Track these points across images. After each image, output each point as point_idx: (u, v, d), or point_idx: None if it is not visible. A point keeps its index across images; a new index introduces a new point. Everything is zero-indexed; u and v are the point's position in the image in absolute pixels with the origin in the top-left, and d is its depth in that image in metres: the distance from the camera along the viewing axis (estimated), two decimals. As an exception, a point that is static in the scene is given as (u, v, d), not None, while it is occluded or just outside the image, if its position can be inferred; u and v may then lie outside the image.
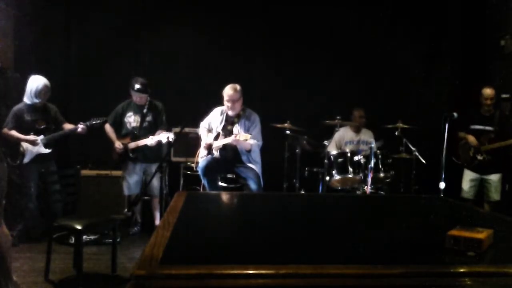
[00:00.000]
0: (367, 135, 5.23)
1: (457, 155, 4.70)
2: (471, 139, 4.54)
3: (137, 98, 4.61)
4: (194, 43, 5.57)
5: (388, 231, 1.83)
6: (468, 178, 4.65)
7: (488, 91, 4.50)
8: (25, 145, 4.21)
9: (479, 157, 4.52)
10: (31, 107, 4.25)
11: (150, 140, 4.46)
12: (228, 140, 4.17)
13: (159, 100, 4.78)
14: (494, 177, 4.54)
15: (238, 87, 4.25)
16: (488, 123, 4.54)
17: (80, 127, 4.28)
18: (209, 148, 4.39)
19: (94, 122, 4.34)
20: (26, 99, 4.23)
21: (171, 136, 4.38)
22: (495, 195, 4.53)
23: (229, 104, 4.24)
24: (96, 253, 3.97)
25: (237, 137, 4.04)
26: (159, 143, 4.47)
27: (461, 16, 5.65)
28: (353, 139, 5.22)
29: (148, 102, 4.68)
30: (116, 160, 4.70)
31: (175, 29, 5.56)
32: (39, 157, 4.26)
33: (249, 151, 4.24)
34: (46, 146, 4.27)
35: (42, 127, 4.29)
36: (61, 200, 3.83)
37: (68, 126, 4.42)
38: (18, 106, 4.25)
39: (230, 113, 4.32)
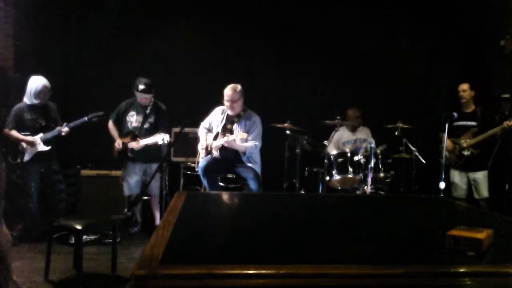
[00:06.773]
0: (364, 133, 5.24)
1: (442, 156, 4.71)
2: (448, 144, 4.52)
3: (142, 99, 4.58)
4: (194, 43, 5.57)
5: (388, 231, 1.83)
6: (456, 178, 4.67)
7: (461, 85, 4.60)
8: (24, 143, 4.22)
9: (466, 153, 4.53)
10: (31, 107, 4.27)
11: (147, 141, 4.44)
12: (222, 141, 4.18)
13: (158, 100, 4.77)
14: (480, 174, 4.55)
15: (238, 87, 4.26)
16: (470, 119, 4.57)
17: (64, 130, 4.28)
18: (207, 149, 4.39)
19: (92, 116, 4.34)
20: (26, 99, 4.25)
21: (166, 138, 4.34)
22: (484, 192, 4.54)
23: (228, 104, 4.26)
24: (96, 253, 3.97)
25: (234, 135, 4.06)
26: (155, 144, 4.45)
27: (461, 16, 5.65)
28: (350, 139, 5.23)
29: (152, 103, 4.66)
30: (116, 158, 4.70)
31: (175, 29, 5.57)
32: (40, 155, 4.26)
33: (244, 153, 4.25)
34: (45, 143, 4.28)
35: (42, 124, 4.31)
36: (65, 199, 3.84)
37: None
38: (19, 106, 4.27)
39: (230, 112, 4.33)
